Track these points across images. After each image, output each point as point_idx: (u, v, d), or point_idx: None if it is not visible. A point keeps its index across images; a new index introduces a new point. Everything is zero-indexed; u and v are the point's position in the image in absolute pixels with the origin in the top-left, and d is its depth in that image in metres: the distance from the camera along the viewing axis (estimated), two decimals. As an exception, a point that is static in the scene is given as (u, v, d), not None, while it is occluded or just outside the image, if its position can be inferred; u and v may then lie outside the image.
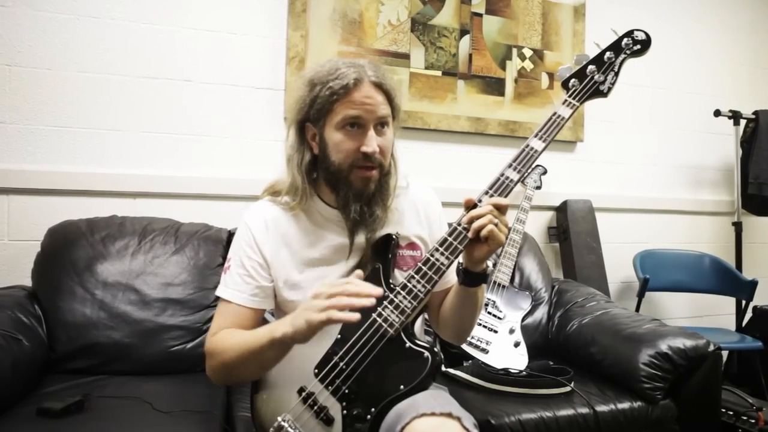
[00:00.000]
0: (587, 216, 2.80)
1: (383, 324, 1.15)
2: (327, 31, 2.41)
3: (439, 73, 2.61)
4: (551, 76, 2.80)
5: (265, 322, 1.36)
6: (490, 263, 1.23)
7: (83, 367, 1.76)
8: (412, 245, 1.35)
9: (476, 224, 1.11)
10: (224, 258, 1.95)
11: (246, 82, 2.33)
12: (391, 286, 1.21)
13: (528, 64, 2.77)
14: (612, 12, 2.95)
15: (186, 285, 1.93)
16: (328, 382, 1.17)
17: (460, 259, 1.19)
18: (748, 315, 2.95)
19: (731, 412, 2.11)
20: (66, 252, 1.88)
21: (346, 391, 1.15)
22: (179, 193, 2.23)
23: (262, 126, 2.34)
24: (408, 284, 1.16)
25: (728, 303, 3.06)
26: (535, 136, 1.22)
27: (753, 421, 2.05)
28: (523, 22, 2.76)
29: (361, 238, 1.28)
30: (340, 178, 1.24)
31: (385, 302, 1.16)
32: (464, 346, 2.03)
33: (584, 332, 2.13)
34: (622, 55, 1.28)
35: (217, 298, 1.32)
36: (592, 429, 1.72)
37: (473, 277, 1.20)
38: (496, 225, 1.11)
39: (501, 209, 1.13)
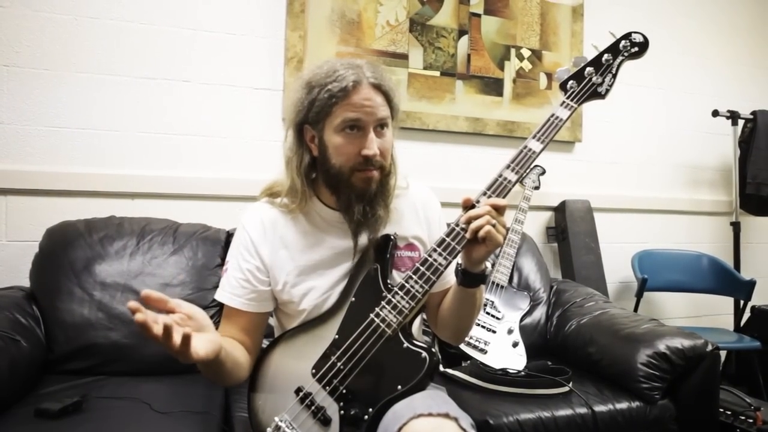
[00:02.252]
0: (586, 216, 2.81)
1: (381, 324, 1.16)
2: (325, 31, 2.41)
3: (437, 73, 2.61)
4: (549, 76, 2.81)
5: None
6: (488, 264, 1.23)
7: (81, 367, 1.76)
8: (410, 246, 1.35)
9: (474, 225, 1.11)
10: (223, 258, 1.95)
11: (244, 83, 2.33)
12: (389, 286, 1.21)
13: (526, 65, 2.77)
14: (610, 12, 2.95)
15: (184, 285, 1.93)
16: (326, 382, 1.17)
17: (459, 259, 1.19)
18: (747, 315, 2.95)
19: (729, 412, 2.11)
20: (64, 252, 1.88)
21: (344, 391, 1.15)
22: (177, 193, 2.23)
23: (260, 126, 2.34)
24: (406, 284, 1.16)
25: (726, 303, 3.06)
26: (533, 137, 1.22)
27: (751, 420, 2.06)
28: (522, 22, 2.76)
29: (363, 239, 1.27)
30: (341, 181, 1.23)
31: (383, 302, 1.17)
32: (462, 347, 2.03)
33: (583, 332, 2.13)
34: (620, 57, 1.29)
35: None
36: (591, 429, 1.73)
37: (472, 278, 1.20)
38: (494, 226, 1.11)
39: (499, 210, 1.13)
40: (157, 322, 0.89)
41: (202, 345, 0.99)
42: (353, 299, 1.24)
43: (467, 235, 1.13)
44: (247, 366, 1.25)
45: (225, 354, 1.11)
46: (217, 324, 1.87)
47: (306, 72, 1.27)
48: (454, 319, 1.34)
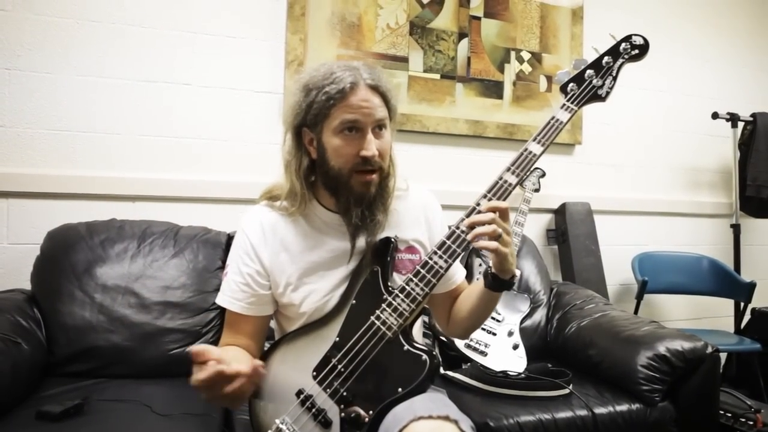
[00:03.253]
0: (586, 218, 2.81)
1: (381, 327, 1.16)
2: (326, 34, 2.42)
3: (437, 76, 2.62)
4: (549, 79, 2.81)
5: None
6: (518, 272, 1.24)
7: (82, 370, 1.77)
8: (410, 249, 1.35)
9: (477, 231, 1.11)
10: (223, 261, 1.95)
11: (245, 86, 2.34)
12: (390, 289, 1.21)
13: (526, 67, 2.78)
14: (610, 15, 2.96)
15: (185, 288, 1.93)
16: (327, 384, 1.17)
17: (490, 263, 1.20)
18: (747, 317, 2.95)
19: (729, 414, 2.12)
20: (65, 255, 1.88)
21: (344, 393, 1.16)
22: (178, 196, 2.23)
23: (260, 129, 2.35)
24: (406, 287, 1.17)
25: (727, 305, 3.06)
26: (534, 140, 1.23)
27: (751, 423, 2.06)
28: (522, 25, 2.77)
29: (361, 242, 1.28)
30: (340, 183, 1.24)
31: (384, 305, 1.17)
32: (463, 349, 2.03)
33: (583, 334, 2.14)
34: (620, 60, 1.29)
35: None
36: (591, 431, 1.73)
37: (500, 284, 1.21)
38: (499, 237, 1.11)
39: (503, 215, 1.14)
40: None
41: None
42: (354, 302, 1.24)
43: (468, 237, 1.13)
44: None
45: None
46: (218, 328, 1.89)
47: (303, 75, 1.27)
48: (472, 319, 1.36)
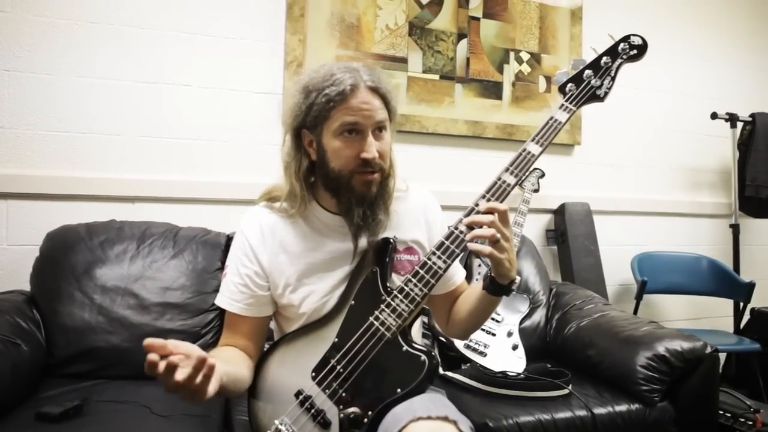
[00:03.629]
0: (585, 219, 2.81)
1: (380, 327, 1.16)
2: (325, 35, 2.42)
3: (436, 76, 2.62)
4: (548, 79, 2.81)
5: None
6: (518, 278, 1.24)
7: (82, 371, 1.77)
8: (409, 250, 1.36)
9: (476, 233, 1.11)
10: (223, 262, 1.95)
11: (244, 87, 2.34)
12: (389, 289, 1.21)
13: (525, 68, 2.78)
14: (609, 15, 2.96)
15: (184, 289, 1.93)
16: (326, 385, 1.17)
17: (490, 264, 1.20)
18: (746, 317, 2.95)
19: (729, 414, 2.12)
20: (65, 256, 1.88)
21: (343, 394, 1.16)
22: (178, 197, 2.23)
23: (260, 130, 2.35)
24: (405, 288, 1.17)
25: (726, 305, 3.06)
26: (532, 140, 1.23)
27: (750, 423, 2.06)
28: (521, 25, 2.77)
29: (363, 242, 1.28)
30: (340, 184, 1.24)
31: (383, 306, 1.17)
32: (462, 349, 2.03)
33: (582, 335, 2.14)
34: (619, 60, 1.30)
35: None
36: (590, 431, 1.73)
37: (498, 288, 1.22)
38: (497, 242, 1.12)
39: (503, 218, 1.14)
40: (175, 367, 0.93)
41: (211, 384, 0.98)
42: (353, 302, 1.24)
43: (467, 238, 1.13)
44: (250, 374, 1.26)
45: (226, 378, 1.10)
46: (218, 329, 1.89)
47: (303, 76, 1.26)
48: (472, 321, 1.36)
